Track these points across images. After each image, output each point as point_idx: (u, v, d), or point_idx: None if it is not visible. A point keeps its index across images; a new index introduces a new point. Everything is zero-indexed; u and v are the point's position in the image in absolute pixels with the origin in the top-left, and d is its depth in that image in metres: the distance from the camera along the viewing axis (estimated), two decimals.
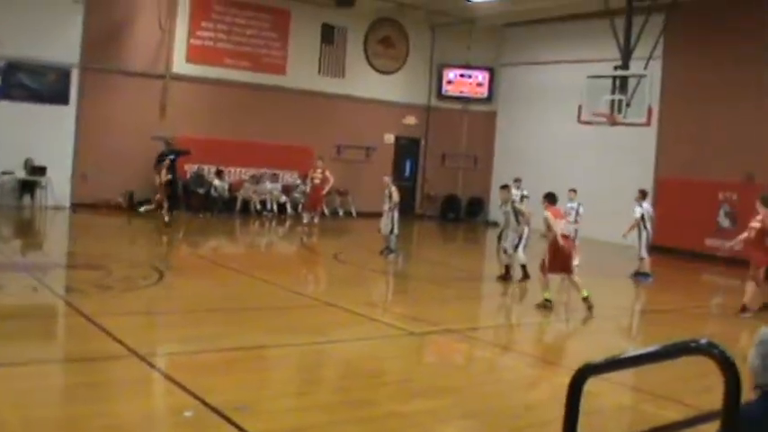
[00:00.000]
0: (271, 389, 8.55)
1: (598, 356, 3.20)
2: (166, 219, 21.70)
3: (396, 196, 19.44)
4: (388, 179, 20.15)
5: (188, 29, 26.41)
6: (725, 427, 2.80)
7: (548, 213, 14.66)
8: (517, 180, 19.49)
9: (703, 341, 2.90)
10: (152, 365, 8.76)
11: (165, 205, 21.90)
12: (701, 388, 6.91)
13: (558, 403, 3.34)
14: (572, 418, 3.05)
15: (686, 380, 8.53)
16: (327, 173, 23.44)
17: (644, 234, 18.57)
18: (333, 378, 9.38)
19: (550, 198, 14.91)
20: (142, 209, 24.81)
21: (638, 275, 18.74)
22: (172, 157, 24.38)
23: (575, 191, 20.64)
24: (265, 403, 7.92)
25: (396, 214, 19.38)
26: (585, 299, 14.15)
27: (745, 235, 15.77)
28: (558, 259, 14.48)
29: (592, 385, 3.08)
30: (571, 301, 17.02)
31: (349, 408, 7.95)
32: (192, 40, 26.47)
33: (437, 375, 9.70)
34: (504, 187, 17.27)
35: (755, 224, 15.19)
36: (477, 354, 11.23)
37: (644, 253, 18.64)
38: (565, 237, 14.67)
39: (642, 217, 18.62)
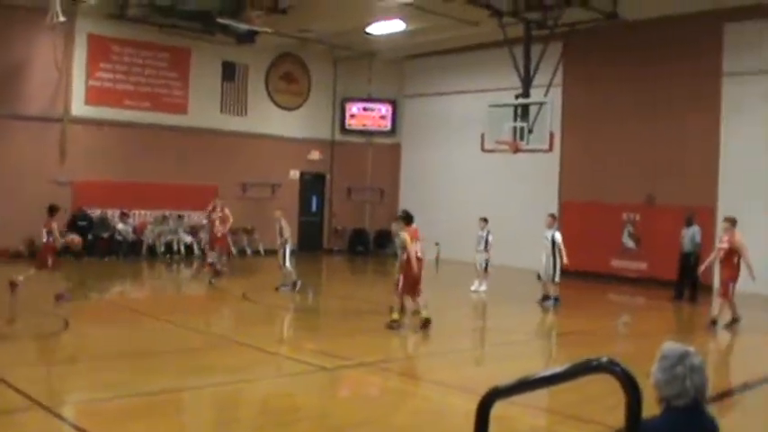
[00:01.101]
0: None
1: (510, 381, 3.30)
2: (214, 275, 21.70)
3: (286, 231, 19.67)
4: (279, 213, 20.28)
5: (86, 70, 26.01)
6: None
7: (404, 234, 14.96)
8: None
9: (604, 359, 2.99)
10: (59, 416, 8.60)
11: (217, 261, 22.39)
12: (611, 405, 7.07)
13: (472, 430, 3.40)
14: None
15: (597, 399, 8.71)
16: (227, 210, 23.18)
17: (558, 259, 18.92)
18: (248, 418, 9.34)
19: (406, 219, 15.20)
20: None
21: (549, 300, 18.98)
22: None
23: (485, 219, 21.07)
24: None
25: (287, 248, 19.63)
26: (426, 320, 14.69)
27: (711, 258, 17.36)
28: (410, 280, 14.82)
29: (505, 410, 3.16)
30: (486, 327, 17.28)
31: None
32: (90, 82, 26.07)
33: (352, 409, 9.75)
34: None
35: (723, 245, 16.40)
36: (391, 386, 11.29)
37: (558, 278, 18.94)
38: (418, 259, 14.88)
39: (554, 241, 18.97)
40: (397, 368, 12.48)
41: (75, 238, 18.09)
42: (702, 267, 17.94)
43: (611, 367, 2.94)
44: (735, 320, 16.42)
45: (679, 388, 3.83)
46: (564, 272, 19.13)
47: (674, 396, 3.85)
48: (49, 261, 16.66)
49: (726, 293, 16.36)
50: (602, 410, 8.65)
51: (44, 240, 16.78)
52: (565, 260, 18.78)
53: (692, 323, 18.75)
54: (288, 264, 19.63)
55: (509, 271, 23.82)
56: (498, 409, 3.28)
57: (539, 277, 19.22)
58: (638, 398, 2.87)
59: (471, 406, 3.31)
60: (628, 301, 22.37)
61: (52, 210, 16.96)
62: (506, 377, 3.33)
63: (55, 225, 16.81)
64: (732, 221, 16.49)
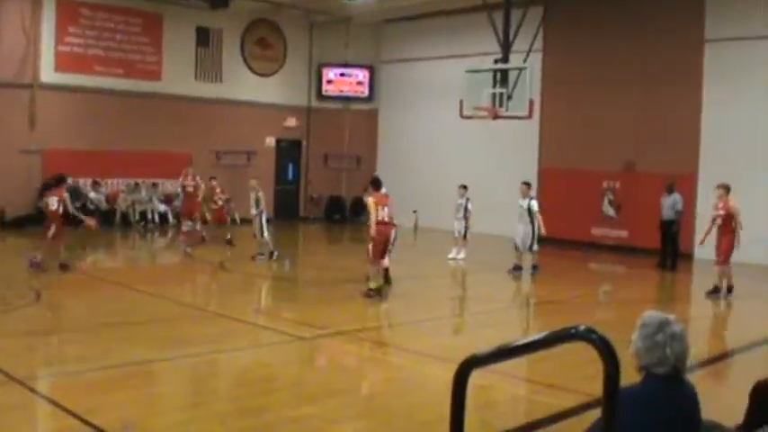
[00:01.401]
0: (161, 404, 8.49)
1: (488, 349, 3.31)
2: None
3: (262, 201, 20.01)
4: (254, 183, 20.40)
5: (55, 35, 25.71)
6: (605, 410, 2.92)
7: (369, 199, 15.21)
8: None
9: (582, 327, 3.00)
10: (32, 390, 8.59)
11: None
12: (591, 374, 7.14)
13: (450, 399, 3.42)
14: (458, 411, 3.15)
15: (577, 367, 8.77)
16: (198, 179, 23.16)
17: (537, 227, 18.87)
18: (225, 388, 9.37)
19: (375, 184, 15.47)
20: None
21: (520, 269, 18.91)
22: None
23: (464, 187, 21.10)
24: (155, 419, 7.86)
25: (263, 218, 19.85)
26: (372, 290, 14.95)
27: (709, 227, 16.88)
28: (380, 246, 15.02)
29: (485, 379, 3.19)
30: (464, 295, 17.33)
31: (242, 416, 7.96)
32: (59, 47, 25.77)
33: (328, 378, 9.80)
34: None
35: (720, 212, 16.42)
36: (367, 354, 11.37)
37: (536, 246, 18.96)
38: (384, 223, 14.98)
39: (530, 210, 18.92)
40: (374, 337, 12.55)
41: (91, 223, 18.55)
42: (702, 238, 17.30)
43: (588, 335, 2.95)
44: (717, 290, 16.53)
45: (659, 356, 3.89)
46: (543, 240, 19.20)
47: (654, 364, 3.90)
48: (51, 231, 16.91)
49: (726, 260, 16.37)
50: (581, 379, 8.72)
51: (53, 208, 17.03)
52: (542, 230, 18.87)
53: (674, 291, 18.91)
54: (265, 233, 19.70)
55: (487, 238, 23.85)
56: (476, 377, 3.30)
57: (516, 248, 19.19)
58: (615, 366, 2.88)
59: (449, 375, 3.33)
60: (608, 269, 22.50)
61: (60, 180, 17.84)
62: (484, 345, 3.34)
63: (66, 195, 17.39)
64: (726, 188, 16.49)
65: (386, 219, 15.00)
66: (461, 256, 20.95)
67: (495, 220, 23.84)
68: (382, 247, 15.10)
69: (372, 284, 14.99)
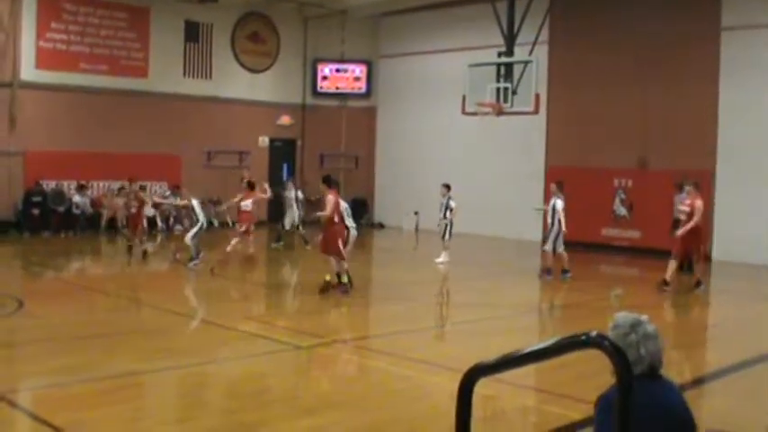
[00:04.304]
0: (149, 418, 8.44)
1: (494, 357, 3.27)
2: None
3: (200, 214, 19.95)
4: (185, 190, 21.13)
5: (36, 30, 25.63)
6: (618, 420, 2.88)
7: (330, 197, 16.06)
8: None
9: (593, 333, 2.97)
10: (13, 404, 8.55)
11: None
12: (602, 384, 7.11)
13: (455, 410, 3.38)
14: (464, 422, 3.11)
15: (587, 377, 8.72)
16: (266, 185, 24.45)
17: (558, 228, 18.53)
18: (217, 400, 9.30)
19: (333, 182, 16.74)
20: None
21: (549, 274, 18.67)
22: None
23: (447, 186, 20.89)
24: None
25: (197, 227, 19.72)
26: (328, 283, 15.76)
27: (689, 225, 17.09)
28: (344, 243, 16.01)
29: (492, 388, 3.16)
30: (469, 301, 17.26)
31: (235, 431, 7.91)
32: (41, 43, 25.70)
33: (327, 390, 9.75)
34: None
35: (685, 208, 17.02)
36: (368, 364, 11.29)
37: (560, 248, 18.60)
38: (341, 223, 16.09)
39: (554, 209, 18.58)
40: (374, 346, 12.49)
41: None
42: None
43: (599, 341, 2.92)
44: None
45: (633, 356, 4.01)
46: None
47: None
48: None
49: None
50: (593, 389, 8.58)
51: (134, 211, 20.97)
52: (563, 228, 18.48)
53: (689, 294, 18.81)
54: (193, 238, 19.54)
55: (493, 240, 23.80)
56: (483, 387, 3.26)
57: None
58: (629, 374, 2.85)
59: (454, 384, 3.29)
60: (620, 271, 22.40)
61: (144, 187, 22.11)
62: (490, 354, 3.31)
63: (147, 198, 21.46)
64: (696, 185, 17.09)
65: (344, 218, 16.27)
66: (441, 259, 20.67)
67: (500, 222, 23.80)
68: (344, 244, 15.96)
69: (344, 279, 15.82)
